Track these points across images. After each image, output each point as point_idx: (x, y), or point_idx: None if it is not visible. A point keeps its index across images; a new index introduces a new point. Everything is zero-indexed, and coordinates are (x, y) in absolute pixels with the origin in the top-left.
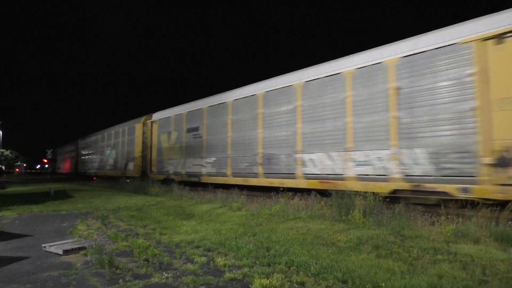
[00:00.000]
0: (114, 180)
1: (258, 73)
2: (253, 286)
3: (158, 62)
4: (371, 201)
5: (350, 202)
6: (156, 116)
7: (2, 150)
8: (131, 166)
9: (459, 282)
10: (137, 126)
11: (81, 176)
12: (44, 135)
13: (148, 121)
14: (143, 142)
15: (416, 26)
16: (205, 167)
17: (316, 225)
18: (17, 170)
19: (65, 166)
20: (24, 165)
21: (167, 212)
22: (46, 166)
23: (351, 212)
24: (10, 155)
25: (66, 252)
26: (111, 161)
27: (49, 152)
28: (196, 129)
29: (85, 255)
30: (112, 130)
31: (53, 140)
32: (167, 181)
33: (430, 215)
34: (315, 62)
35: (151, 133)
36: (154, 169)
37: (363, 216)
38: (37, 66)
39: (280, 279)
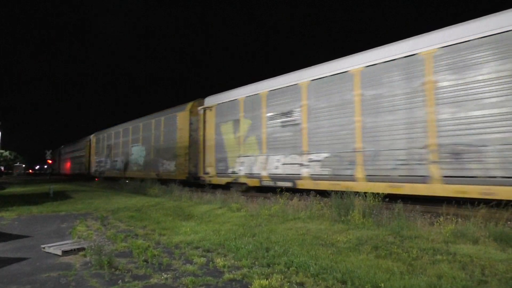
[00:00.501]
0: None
1: (258, 73)
2: (252, 286)
3: (158, 62)
4: (371, 201)
5: (350, 203)
6: (212, 100)
7: (1, 150)
8: (171, 166)
9: (458, 282)
10: (181, 115)
11: (94, 178)
12: (44, 136)
13: (199, 108)
14: (190, 136)
15: (416, 26)
16: (308, 166)
17: (315, 225)
18: (16, 171)
19: (73, 167)
20: (23, 165)
21: (166, 213)
22: (46, 167)
23: (350, 212)
24: (9, 155)
25: (65, 253)
26: (139, 160)
27: (48, 153)
28: (288, 113)
29: (84, 256)
30: (140, 122)
31: (52, 140)
32: (233, 186)
33: (429, 215)
34: (315, 62)
35: (204, 123)
36: (210, 170)
37: (362, 217)
38: (37, 66)
39: (280, 279)
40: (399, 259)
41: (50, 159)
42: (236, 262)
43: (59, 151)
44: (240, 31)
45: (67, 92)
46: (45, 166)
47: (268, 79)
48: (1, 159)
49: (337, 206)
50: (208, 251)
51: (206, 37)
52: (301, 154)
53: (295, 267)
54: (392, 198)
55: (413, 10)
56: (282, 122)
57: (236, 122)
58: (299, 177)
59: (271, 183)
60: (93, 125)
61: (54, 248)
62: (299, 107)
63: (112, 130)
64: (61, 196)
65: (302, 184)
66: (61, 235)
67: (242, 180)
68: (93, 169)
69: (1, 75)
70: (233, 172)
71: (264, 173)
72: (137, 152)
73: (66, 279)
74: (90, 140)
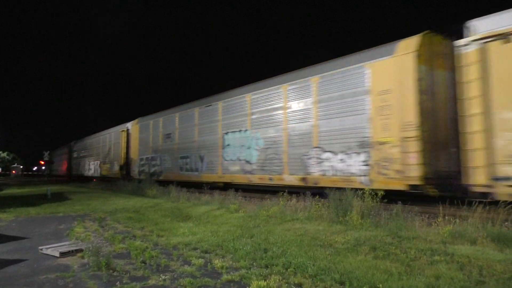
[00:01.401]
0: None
1: (258, 73)
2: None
3: (158, 62)
4: (369, 202)
5: (348, 204)
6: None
7: None
8: (350, 163)
9: (456, 283)
10: (380, 66)
11: (138, 182)
12: (44, 136)
13: (462, 42)
14: (421, 103)
15: (416, 26)
16: None
17: (313, 226)
18: (13, 172)
19: (94, 168)
20: (21, 167)
21: (164, 214)
22: (43, 168)
23: (348, 213)
24: (7, 156)
25: (63, 254)
26: (247, 154)
27: (46, 154)
28: None
29: (82, 257)
30: (246, 94)
31: (53, 140)
32: None
33: (427, 216)
34: (315, 62)
35: (485, 71)
36: None
37: (360, 218)
38: (37, 66)
39: (278, 280)
40: (397, 259)
41: (47, 160)
42: (234, 263)
43: (69, 148)
44: (240, 31)
45: (67, 92)
46: (43, 168)
47: None
48: None
49: (335, 207)
50: (206, 252)
51: (206, 37)
52: None
53: (293, 268)
54: (390, 199)
55: (413, 10)
56: None
57: None
58: None
59: None
60: (93, 125)
61: (52, 249)
62: None
63: (176, 112)
64: (58, 197)
65: None
66: (59, 236)
67: None
68: (135, 169)
69: (1, 75)
70: None
71: None
72: (241, 143)
73: (64, 281)
74: (127, 129)
